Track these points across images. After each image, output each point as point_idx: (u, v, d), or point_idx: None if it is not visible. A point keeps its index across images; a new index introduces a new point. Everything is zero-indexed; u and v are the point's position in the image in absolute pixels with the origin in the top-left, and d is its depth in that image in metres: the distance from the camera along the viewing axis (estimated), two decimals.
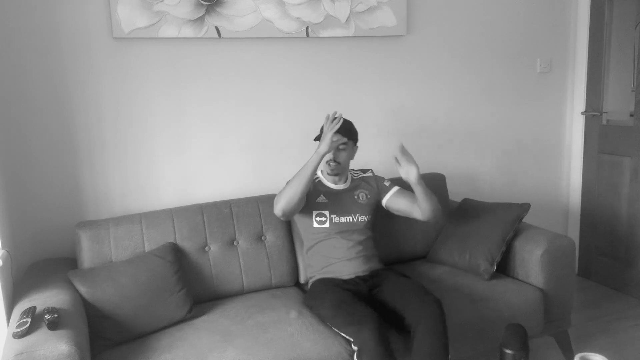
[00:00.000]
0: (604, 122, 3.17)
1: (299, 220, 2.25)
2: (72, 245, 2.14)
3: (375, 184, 2.31)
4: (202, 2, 2.30)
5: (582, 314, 2.84)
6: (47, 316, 1.61)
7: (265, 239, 2.30)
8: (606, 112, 3.16)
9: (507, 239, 2.34)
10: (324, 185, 2.26)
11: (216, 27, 2.35)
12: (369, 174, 2.36)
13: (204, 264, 2.18)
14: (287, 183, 2.13)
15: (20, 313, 1.67)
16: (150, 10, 2.22)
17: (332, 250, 2.18)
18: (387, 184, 2.30)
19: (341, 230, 2.18)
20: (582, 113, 3.23)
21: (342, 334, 1.87)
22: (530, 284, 2.29)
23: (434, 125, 2.91)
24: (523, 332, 1.67)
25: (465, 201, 2.66)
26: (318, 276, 2.20)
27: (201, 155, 2.46)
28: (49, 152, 2.21)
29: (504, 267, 2.40)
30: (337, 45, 2.62)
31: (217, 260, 2.20)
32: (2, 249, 1.90)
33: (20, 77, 2.12)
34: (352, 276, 2.14)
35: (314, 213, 2.19)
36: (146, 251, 2.10)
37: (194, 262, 2.17)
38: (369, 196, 2.27)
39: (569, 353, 2.37)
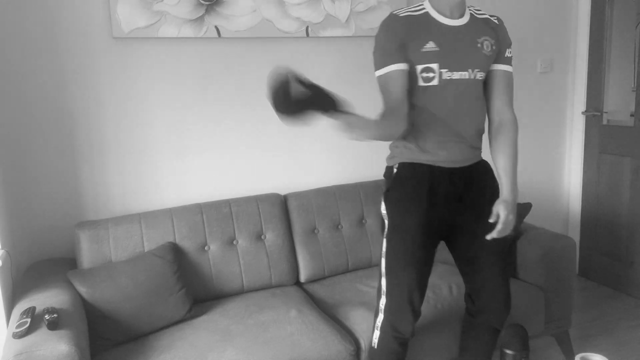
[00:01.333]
0: (605, 122, 3.17)
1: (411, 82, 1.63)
2: (72, 245, 2.13)
3: (502, 36, 1.68)
4: (202, 1, 2.30)
5: (583, 314, 2.84)
6: (46, 316, 1.61)
7: (265, 238, 2.30)
8: (607, 112, 3.16)
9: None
10: (433, 20, 1.61)
11: (216, 27, 2.34)
12: (494, 19, 1.70)
13: (204, 264, 2.18)
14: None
15: (20, 313, 1.67)
16: (150, 10, 2.22)
17: (434, 119, 1.61)
18: (510, 52, 1.69)
19: (453, 94, 1.61)
20: (582, 113, 3.23)
21: (381, 277, 1.72)
22: (530, 284, 2.29)
23: None
24: (523, 332, 1.67)
25: None
26: (406, 158, 1.70)
27: (201, 154, 2.45)
28: (49, 152, 2.20)
29: None
30: (337, 45, 2.62)
31: (216, 260, 2.20)
32: (2, 249, 1.90)
33: (20, 77, 2.12)
34: (452, 165, 1.65)
35: (419, 68, 1.60)
36: (146, 251, 2.10)
37: (194, 261, 2.17)
38: (494, 47, 1.64)
39: (569, 353, 2.37)
